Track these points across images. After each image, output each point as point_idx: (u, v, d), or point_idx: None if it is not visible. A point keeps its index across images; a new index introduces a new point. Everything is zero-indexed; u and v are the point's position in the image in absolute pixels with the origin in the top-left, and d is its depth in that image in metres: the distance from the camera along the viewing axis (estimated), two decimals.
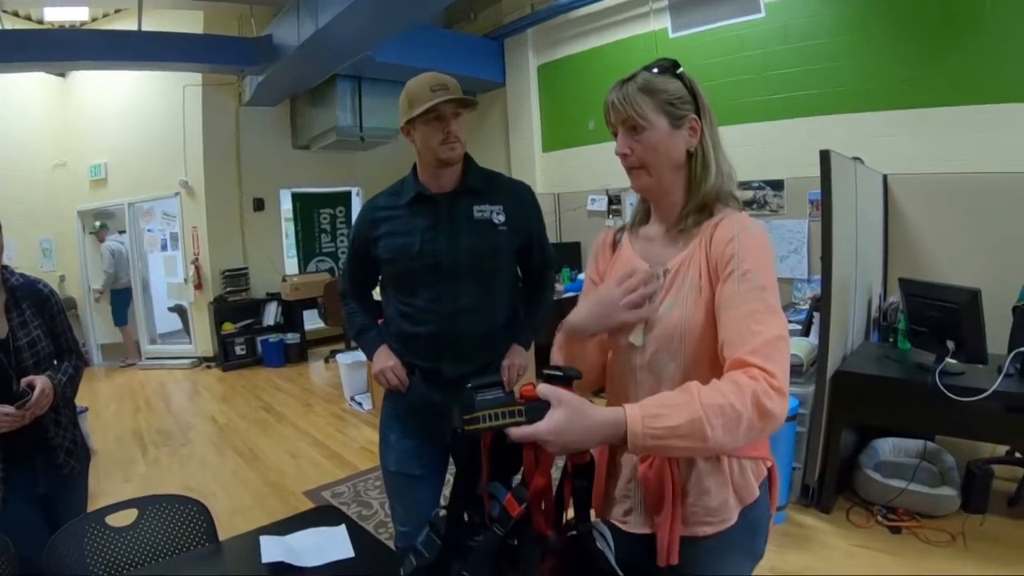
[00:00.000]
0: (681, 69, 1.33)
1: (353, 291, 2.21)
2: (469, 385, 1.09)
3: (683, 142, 1.30)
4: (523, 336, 2.13)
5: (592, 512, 1.29)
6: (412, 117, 1.86)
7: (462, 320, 1.93)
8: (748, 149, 5.50)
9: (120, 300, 8.61)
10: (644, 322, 1.31)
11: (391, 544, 2.32)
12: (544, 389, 1.05)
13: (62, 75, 8.65)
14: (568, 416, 1.02)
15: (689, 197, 1.33)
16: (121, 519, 1.87)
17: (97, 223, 8.55)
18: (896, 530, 3.22)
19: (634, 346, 1.33)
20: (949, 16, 4.46)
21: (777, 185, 5.46)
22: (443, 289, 1.92)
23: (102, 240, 8.44)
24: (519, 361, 2.08)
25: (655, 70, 1.31)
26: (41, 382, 2.01)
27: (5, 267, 2.18)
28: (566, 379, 1.12)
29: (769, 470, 1.39)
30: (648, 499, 1.33)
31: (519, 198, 2.05)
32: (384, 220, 1.99)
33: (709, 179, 1.31)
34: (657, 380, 1.30)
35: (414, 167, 2.01)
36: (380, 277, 2.13)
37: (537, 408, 1.04)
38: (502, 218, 1.96)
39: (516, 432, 1.03)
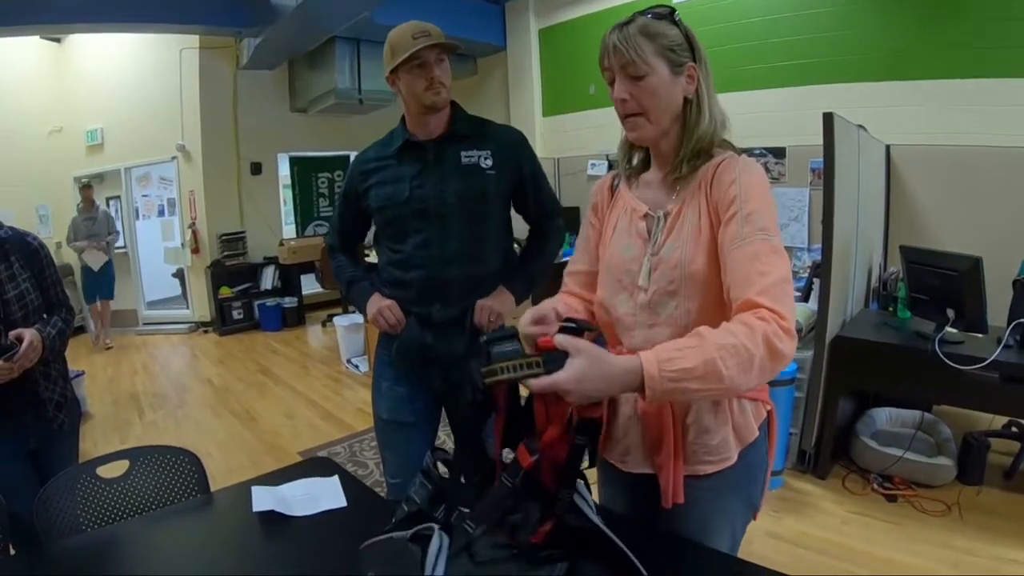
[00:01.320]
0: (678, 15, 1.29)
1: (341, 244, 2.22)
2: (484, 338, 1.05)
3: (681, 89, 1.27)
4: (513, 283, 2.08)
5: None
6: (395, 66, 1.85)
7: (451, 265, 1.93)
8: (750, 116, 5.44)
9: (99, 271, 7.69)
10: (649, 263, 1.31)
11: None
12: (561, 339, 1.02)
13: (58, 40, 8.53)
14: (588, 364, 0.99)
15: (682, 144, 1.30)
16: (112, 470, 1.85)
17: (84, 179, 7.89)
18: (892, 498, 3.22)
19: (638, 286, 1.32)
20: None
21: (779, 153, 5.41)
22: (432, 234, 1.93)
23: (90, 199, 7.60)
24: (494, 305, 2.00)
25: (651, 16, 1.26)
26: (30, 335, 1.97)
27: None
28: (579, 331, 1.11)
29: (768, 413, 1.40)
30: (647, 436, 1.34)
31: (507, 142, 2.02)
32: (374, 171, 1.99)
33: (702, 125, 1.28)
34: (657, 319, 1.30)
35: (403, 117, 2.00)
36: (373, 228, 2.12)
37: (555, 359, 1.01)
38: (490, 162, 1.95)
39: (536, 383, 0.99)
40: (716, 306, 1.23)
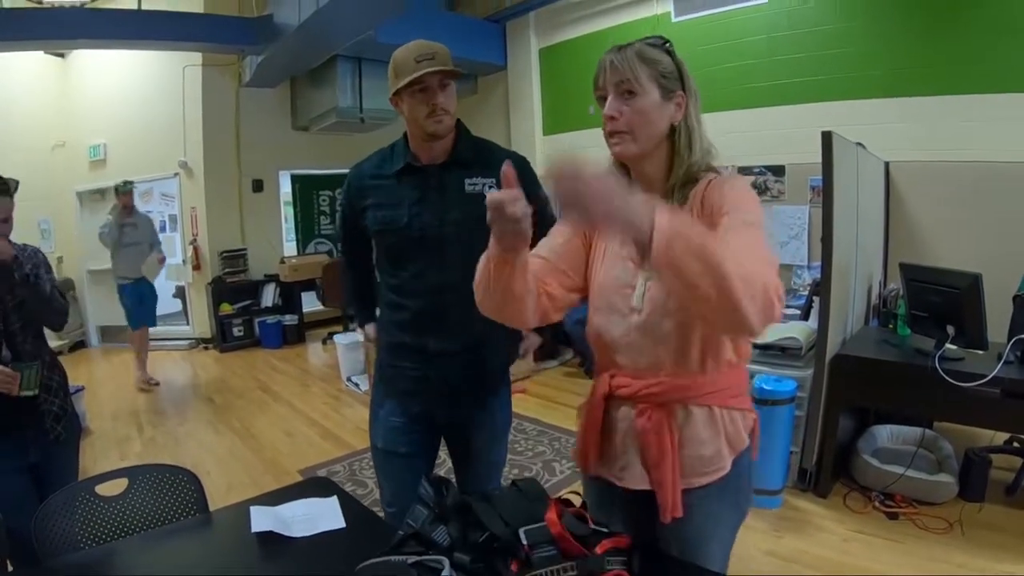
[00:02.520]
0: (670, 45, 1.37)
1: (351, 256, 2.19)
2: (525, 541, 1.21)
3: (669, 116, 1.33)
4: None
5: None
6: (398, 88, 1.79)
7: (448, 295, 1.85)
8: (749, 134, 5.47)
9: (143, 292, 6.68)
10: (643, 286, 1.35)
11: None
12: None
13: (62, 55, 8.58)
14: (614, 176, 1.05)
15: (671, 172, 1.36)
16: (111, 488, 1.85)
17: (122, 181, 6.63)
18: (893, 516, 3.21)
19: (632, 308, 1.36)
20: (954, 4, 4.43)
21: (778, 171, 5.43)
22: (430, 263, 1.88)
23: (129, 205, 6.57)
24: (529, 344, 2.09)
25: (647, 43, 1.34)
26: None
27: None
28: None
29: (753, 422, 1.46)
30: (646, 452, 1.37)
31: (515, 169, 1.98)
32: (372, 189, 1.93)
33: (694, 154, 1.34)
34: (653, 340, 1.34)
35: (405, 134, 1.95)
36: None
37: (595, 562, 1.21)
38: (494, 190, 1.90)
39: (565, 167, 0.99)
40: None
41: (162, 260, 6.71)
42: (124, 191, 6.48)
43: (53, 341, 6.26)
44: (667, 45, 1.36)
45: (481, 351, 1.96)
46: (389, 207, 1.88)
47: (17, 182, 2.26)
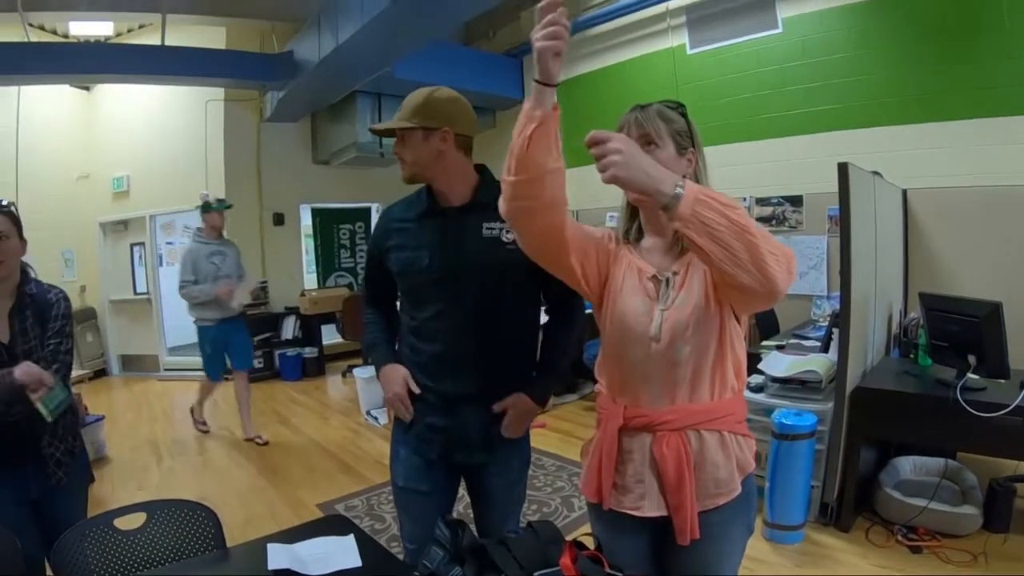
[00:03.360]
0: (684, 109, 1.54)
1: (373, 297, 2.16)
2: None
3: (682, 169, 1.46)
4: (540, 388, 2.01)
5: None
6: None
7: (466, 338, 1.87)
8: (766, 164, 5.49)
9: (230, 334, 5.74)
10: (660, 317, 1.43)
11: (401, 557, 2.30)
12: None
13: (87, 88, 8.79)
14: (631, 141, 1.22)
15: None
16: (129, 522, 1.86)
17: (212, 199, 5.82)
18: (916, 550, 3.14)
19: (650, 337, 1.43)
20: (967, 29, 4.45)
21: (796, 201, 5.44)
22: (448, 306, 1.88)
23: (217, 228, 5.77)
24: (519, 412, 1.95)
25: (665, 105, 1.52)
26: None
27: (24, 271, 2.20)
28: None
29: (755, 447, 1.56)
30: (664, 478, 1.43)
31: None
32: (396, 231, 1.96)
33: None
34: (672, 366, 1.43)
35: None
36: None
37: None
38: (511, 236, 1.83)
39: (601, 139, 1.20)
40: (723, 351, 1.43)
41: (255, 294, 5.86)
42: (219, 208, 5.67)
43: (74, 370, 6.34)
44: (681, 109, 1.53)
45: (498, 395, 1.94)
46: (411, 248, 1.91)
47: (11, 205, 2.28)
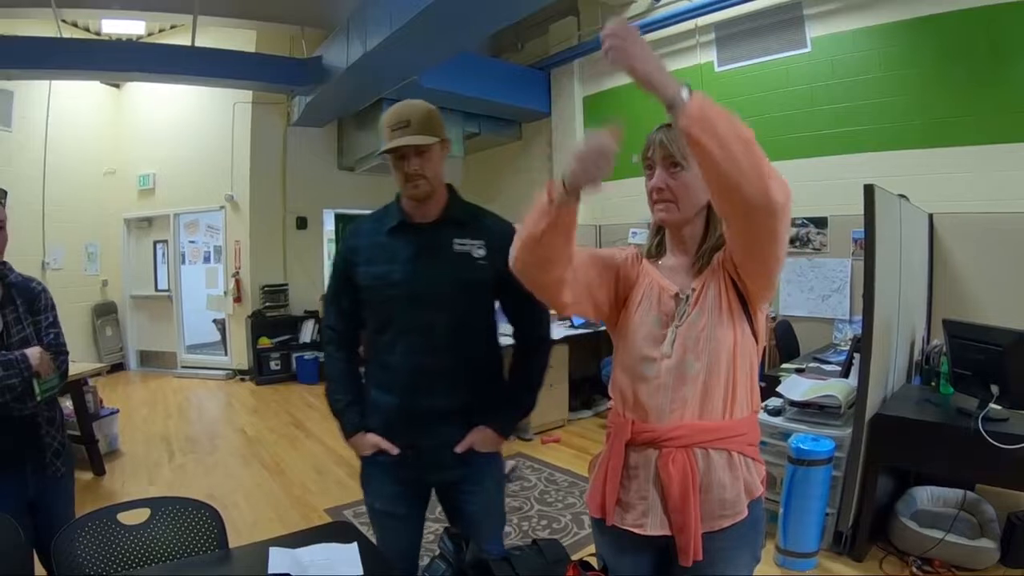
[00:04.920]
0: None
1: (337, 329, 2.05)
2: None
3: (707, 190, 1.40)
4: (505, 420, 2.00)
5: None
6: (382, 151, 1.83)
7: (438, 354, 1.86)
8: (792, 185, 5.39)
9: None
10: (673, 333, 1.43)
11: None
12: None
13: (117, 86, 8.93)
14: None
15: (706, 236, 1.49)
16: (133, 517, 1.86)
17: None
18: None
19: (662, 354, 1.43)
20: (998, 52, 4.40)
21: (821, 223, 5.37)
22: (420, 321, 1.86)
23: None
24: (481, 444, 1.93)
25: None
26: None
27: (4, 263, 2.23)
28: None
29: (765, 473, 1.53)
30: (668, 496, 1.40)
31: (501, 233, 1.87)
32: (366, 246, 1.93)
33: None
34: (682, 380, 1.41)
35: (399, 192, 1.96)
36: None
37: None
38: (482, 252, 1.89)
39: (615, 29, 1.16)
40: (735, 368, 1.41)
41: None
42: None
43: (92, 363, 6.41)
44: None
45: (470, 411, 1.93)
46: (382, 263, 1.88)
47: (5, 191, 2.33)
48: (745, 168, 1.14)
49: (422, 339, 1.86)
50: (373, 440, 1.93)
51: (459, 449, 1.90)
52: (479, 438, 1.92)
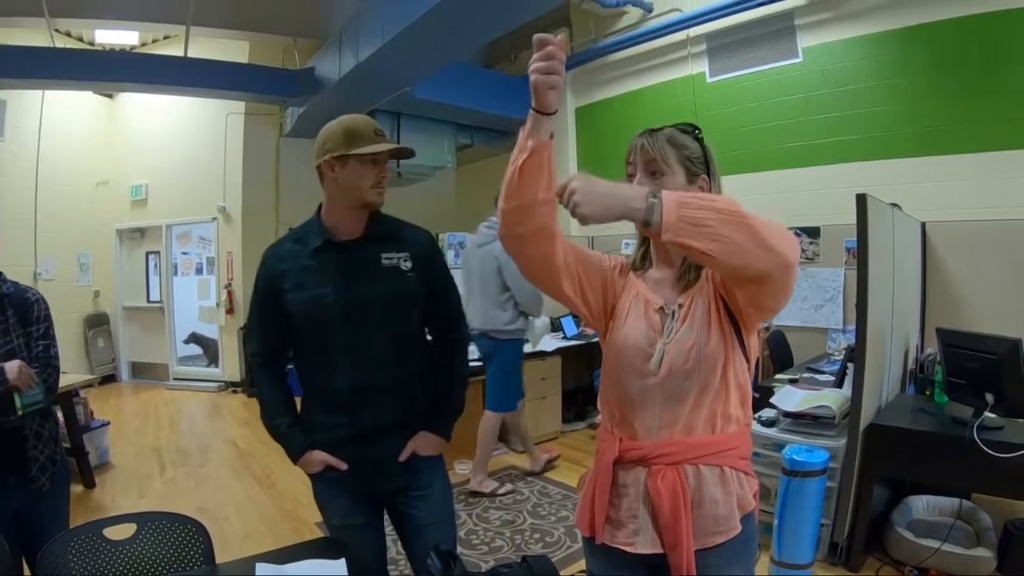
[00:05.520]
0: (699, 132, 1.48)
1: (267, 356, 2.04)
2: None
3: None
4: (442, 422, 2.03)
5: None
6: (350, 154, 1.81)
7: (379, 369, 1.88)
8: (784, 195, 5.45)
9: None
10: (661, 350, 1.40)
11: None
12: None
13: (110, 96, 8.93)
14: (590, 176, 1.15)
15: None
16: (119, 532, 1.83)
17: None
18: None
19: (650, 371, 1.40)
20: (989, 61, 4.42)
21: (813, 232, 5.37)
22: (358, 338, 1.86)
23: None
24: (424, 448, 1.97)
25: (678, 128, 1.46)
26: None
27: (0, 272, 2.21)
28: None
29: (758, 487, 1.51)
30: (659, 514, 1.38)
31: (422, 244, 2.00)
32: (292, 270, 1.90)
33: None
34: (671, 398, 1.39)
35: (318, 212, 1.97)
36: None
37: None
38: (409, 264, 1.92)
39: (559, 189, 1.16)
40: (726, 384, 1.38)
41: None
42: None
43: (83, 374, 6.37)
44: (697, 132, 1.47)
45: (411, 420, 1.96)
46: (314, 286, 1.87)
47: None
48: (747, 249, 1.12)
49: (363, 356, 1.87)
50: (321, 457, 1.92)
51: (402, 457, 1.93)
52: (421, 443, 1.96)
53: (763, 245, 1.11)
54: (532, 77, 1.20)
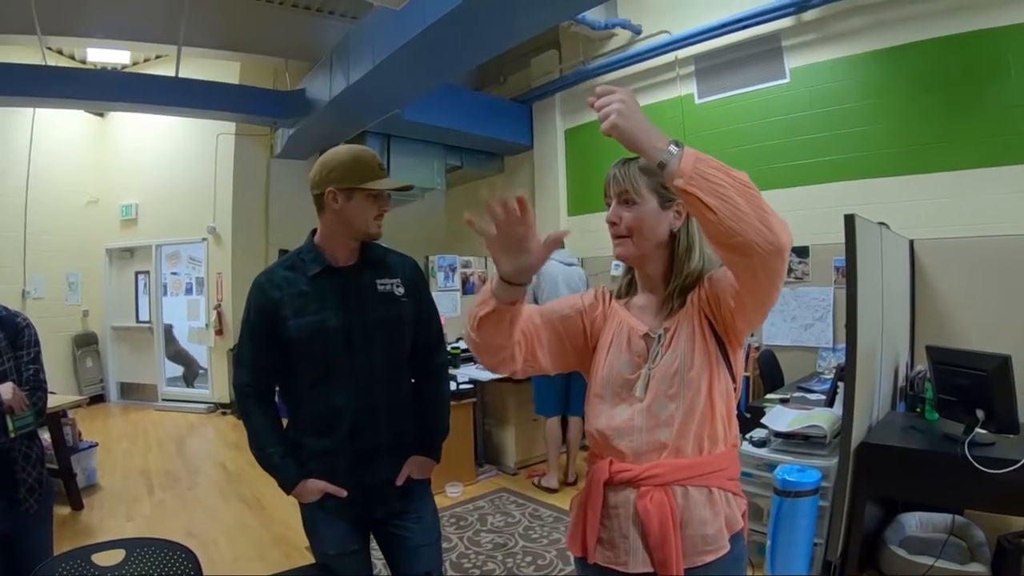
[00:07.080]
0: None
1: (255, 380, 1.99)
2: None
3: (668, 222, 1.47)
4: (433, 445, 2.10)
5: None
6: (355, 187, 1.86)
7: (376, 393, 1.93)
8: None
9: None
10: (646, 376, 1.43)
11: None
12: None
13: (101, 115, 8.96)
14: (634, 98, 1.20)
15: (672, 275, 1.49)
16: (108, 558, 1.81)
17: None
18: None
19: (635, 397, 1.44)
20: (973, 79, 4.49)
21: (802, 252, 5.40)
22: (359, 362, 1.90)
23: None
24: (418, 471, 2.03)
25: None
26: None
27: None
28: None
29: (746, 507, 1.52)
30: (648, 534, 1.39)
31: (409, 268, 2.09)
32: (290, 296, 1.90)
33: (692, 262, 1.47)
34: (657, 422, 1.41)
35: (313, 240, 1.98)
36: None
37: None
38: (402, 290, 2.00)
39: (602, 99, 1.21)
40: (712, 406, 1.40)
41: None
42: None
43: (72, 395, 6.31)
44: None
45: (404, 443, 2.01)
46: (313, 312, 1.88)
47: None
48: (748, 216, 1.15)
49: (364, 380, 1.90)
50: (319, 486, 1.92)
51: (399, 481, 1.97)
52: (416, 467, 2.01)
53: (763, 220, 1.15)
54: (502, 271, 1.31)
